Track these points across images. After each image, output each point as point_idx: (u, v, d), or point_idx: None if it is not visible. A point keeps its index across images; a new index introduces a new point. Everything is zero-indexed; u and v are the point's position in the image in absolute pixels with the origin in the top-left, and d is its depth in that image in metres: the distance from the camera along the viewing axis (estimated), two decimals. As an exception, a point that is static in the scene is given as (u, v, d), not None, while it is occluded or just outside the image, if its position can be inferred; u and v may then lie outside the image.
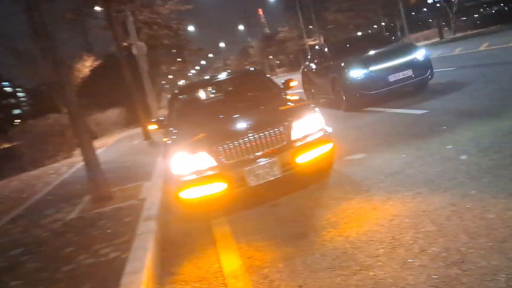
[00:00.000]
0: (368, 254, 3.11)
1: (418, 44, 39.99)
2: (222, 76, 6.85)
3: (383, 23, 49.11)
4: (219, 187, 4.56)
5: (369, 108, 9.36)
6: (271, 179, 4.59)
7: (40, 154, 13.93)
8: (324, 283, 2.90)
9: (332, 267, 3.08)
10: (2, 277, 4.24)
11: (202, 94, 6.70)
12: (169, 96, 32.32)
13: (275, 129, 4.69)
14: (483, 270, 2.53)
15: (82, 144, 6.28)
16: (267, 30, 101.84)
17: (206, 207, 4.89)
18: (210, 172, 4.58)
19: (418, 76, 9.17)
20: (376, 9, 49.32)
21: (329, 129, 5.05)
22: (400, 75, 9.04)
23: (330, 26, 57.95)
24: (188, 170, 4.63)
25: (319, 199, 4.57)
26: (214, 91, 6.57)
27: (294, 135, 4.75)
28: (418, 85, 9.58)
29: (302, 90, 13.61)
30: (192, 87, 7.05)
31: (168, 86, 48.19)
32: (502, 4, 46.32)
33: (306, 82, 13.23)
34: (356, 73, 9.16)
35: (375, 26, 65.11)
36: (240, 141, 4.60)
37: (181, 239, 4.56)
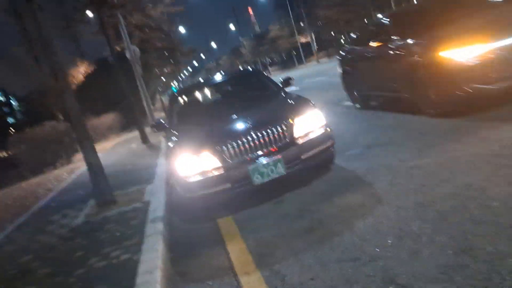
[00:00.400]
0: (377, 245, 3.19)
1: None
2: (221, 77, 6.92)
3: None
4: (224, 186, 4.64)
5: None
6: (275, 177, 4.66)
7: (39, 161, 13.95)
8: (335, 274, 2.98)
9: (342, 259, 3.16)
10: (15, 284, 4.29)
11: (202, 95, 6.75)
12: (162, 98, 32.24)
13: (277, 127, 4.76)
14: (491, 256, 2.61)
15: (84, 148, 6.31)
16: (257, 29, 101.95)
17: (212, 207, 4.96)
18: (215, 172, 4.66)
19: None
20: (366, 3, 49.50)
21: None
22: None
23: (321, 23, 58.01)
24: (194, 171, 4.70)
25: (324, 195, 4.64)
26: (214, 92, 6.63)
27: (296, 133, 4.82)
28: None
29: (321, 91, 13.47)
30: (192, 89, 7.12)
31: (160, 89, 48.12)
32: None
33: (351, 75, 9.15)
34: (464, 53, 5.48)
35: (366, 22, 65.38)
36: (243, 140, 4.67)
37: (189, 240, 4.62)
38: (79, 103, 6.32)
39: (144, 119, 17.41)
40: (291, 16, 59.95)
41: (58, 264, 4.49)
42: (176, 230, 4.98)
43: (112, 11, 13.98)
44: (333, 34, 64.94)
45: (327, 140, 4.95)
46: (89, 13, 15.10)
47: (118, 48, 16.53)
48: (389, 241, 3.20)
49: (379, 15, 13.73)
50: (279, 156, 4.65)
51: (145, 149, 12.81)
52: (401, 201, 3.83)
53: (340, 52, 10.26)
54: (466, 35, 5.59)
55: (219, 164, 4.65)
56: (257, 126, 4.79)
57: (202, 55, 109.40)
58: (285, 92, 6.25)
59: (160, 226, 4.70)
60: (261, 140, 4.69)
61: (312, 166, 4.94)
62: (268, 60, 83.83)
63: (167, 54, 29.14)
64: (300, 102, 5.47)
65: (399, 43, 6.84)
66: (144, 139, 14.37)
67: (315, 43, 61.32)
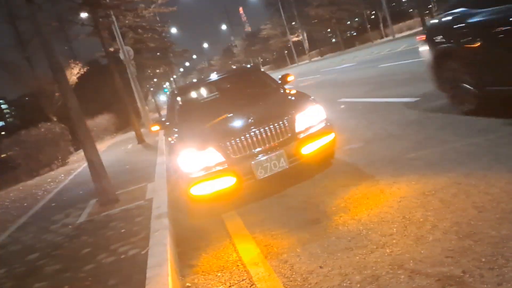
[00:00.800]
0: (382, 234, 3.28)
1: (402, 34, 40.44)
2: (221, 74, 6.99)
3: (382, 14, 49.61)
4: (228, 182, 4.70)
5: (360, 99, 9.55)
6: (278, 170, 4.74)
7: (35, 163, 13.95)
8: (343, 263, 3.06)
9: (349, 248, 3.24)
10: (25, 281, 4.33)
11: (202, 93, 6.82)
12: (155, 99, 32.31)
13: (279, 122, 4.84)
14: (494, 239, 2.70)
15: (86, 147, 6.37)
16: (248, 28, 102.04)
17: (216, 202, 5.03)
18: (218, 168, 4.72)
19: None
20: (357, 2, 49.80)
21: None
22: None
23: (312, 21, 58.22)
24: (197, 167, 4.76)
25: (327, 187, 4.72)
26: (213, 89, 6.70)
27: (298, 127, 4.90)
28: None
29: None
30: (191, 87, 7.18)
31: (153, 89, 48.07)
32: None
33: (459, 60, 5.47)
34: None
35: (356, 19, 65.75)
36: (246, 135, 4.74)
37: (195, 234, 4.68)
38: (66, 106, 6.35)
39: (138, 119, 17.45)
40: (283, 16, 60.07)
41: (66, 260, 4.54)
42: (181, 226, 5.04)
43: (106, 11, 13.95)
44: (325, 33, 65.26)
45: (328, 134, 5.03)
46: (83, 14, 15.05)
47: (111, 49, 16.51)
48: (394, 229, 3.29)
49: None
50: (281, 151, 4.73)
51: (142, 149, 12.85)
52: (404, 191, 3.92)
53: (431, 22, 6.98)
54: None
55: (223, 160, 4.72)
56: (259, 122, 4.86)
57: (194, 55, 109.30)
58: (284, 89, 6.33)
59: (165, 221, 4.76)
60: (264, 135, 4.77)
61: (314, 159, 5.02)
62: (260, 59, 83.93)
63: (159, 54, 29.13)
64: (301, 97, 5.55)
65: None
66: (140, 139, 14.41)
67: (307, 42, 61.52)
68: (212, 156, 4.74)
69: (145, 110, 18.79)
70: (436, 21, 6.22)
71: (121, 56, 16.86)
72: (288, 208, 4.52)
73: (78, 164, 14.23)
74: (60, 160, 14.94)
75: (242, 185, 4.74)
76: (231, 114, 5.46)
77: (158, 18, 22.23)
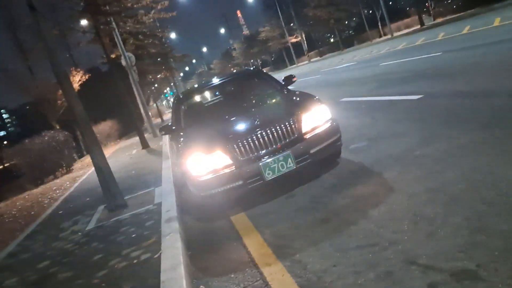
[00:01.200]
0: (393, 231, 3.31)
1: (400, 32, 40.45)
2: (225, 78, 7.03)
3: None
4: (237, 183, 4.73)
5: (363, 98, 9.59)
6: (286, 171, 4.77)
7: (39, 171, 14.00)
8: (356, 260, 3.09)
9: (361, 246, 3.27)
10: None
11: (206, 97, 6.86)
12: (157, 104, 32.46)
13: (285, 123, 4.87)
14: (506, 233, 2.73)
15: (93, 154, 6.40)
16: (246, 31, 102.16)
17: (226, 204, 5.07)
18: (226, 170, 4.75)
19: None
20: (355, 1, 49.86)
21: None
22: None
23: (310, 22, 58.28)
24: (206, 170, 4.80)
25: (335, 186, 4.76)
26: (218, 93, 6.73)
27: (304, 128, 4.94)
28: None
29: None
30: (195, 91, 7.22)
31: (153, 95, 48.12)
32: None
33: None
34: None
35: (354, 19, 65.82)
36: (253, 137, 4.78)
37: (205, 237, 4.71)
38: (72, 113, 6.39)
39: (142, 125, 17.52)
40: (281, 17, 60.16)
41: (78, 267, 4.57)
42: (191, 229, 5.07)
43: (107, 17, 14.02)
44: (323, 33, 65.33)
45: (334, 133, 5.07)
46: (83, 22, 15.13)
47: (113, 56, 16.59)
48: (405, 225, 3.32)
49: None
50: (288, 151, 4.76)
51: (147, 154, 12.89)
52: (412, 188, 3.95)
53: None
54: None
55: (231, 162, 4.75)
56: (265, 123, 4.90)
57: (193, 60, 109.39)
58: (288, 90, 6.37)
59: (176, 225, 4.80)
60: (270, 137, 4.80)
61: (321, 159, 5.05)
62: (259, 61, 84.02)
63: (160, 60, 29.21)
64: (306, 98, 5.59)
65: None
66: (144, 144, 14.46)
67: (305, 43, 61.59)
68: (219, 158, 4.78)
69: (148, 115, 18.84)
70: None
71: (123, 62, 16.92)
72: (297, 208, 4.55)
73: (83, 171, 14.27)
74: (64, 168, 14.99)
75: (251, 186, 4.77)
76: (237, 117, 5.49)
77: (158, 24, 22.28)
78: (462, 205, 3.30)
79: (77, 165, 17.19)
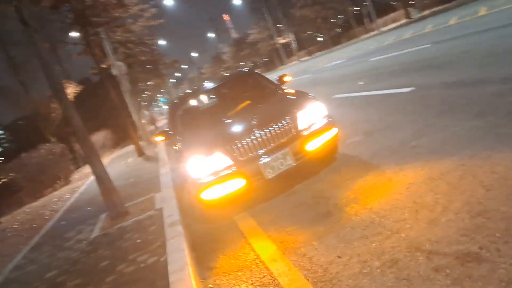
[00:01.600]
0: (395, 220, 3.38)
1: (388, 27, 40.66)
2: (219, 80, 7.09)
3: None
4: (238, 184, 4.78)
5: (355, 94, 9.69)
6: (286, 169, 4.83)
7: (38, 185, 14.00)
8: (361, 250, 3.15)
9: (364, 236, 3.34)
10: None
11: (203, 100, 6.90)
12: (150, 111, 32.41)
13: (282, 122, 4.93)
14: (506, 215, 2.81)
15: (93, 164, 6.45)
16: (234, 35, 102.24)
17: (228, 205, 5.12)
18: (227, 171, 4.80)
19: None
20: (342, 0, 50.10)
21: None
22: None
23: (298, 22, 58.46)
24: (206, 172, 4.84)
25: (334, 181, 4.83)
26: (214, 95, 6.79)
27: (301, 125, 5.00)
28: None
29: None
30: (191, 95, 7.27)
31: (145, 102, 48.12)
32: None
33: None
34: None
35: (341, 17, 66.08)
36: (251, 137, 4.83)
37: (209, 238, 4.76)
38: (69, 125, 6.44)
39: (136, 133, 17.51)
40: (269, 19, 60.34)
41: (86, 274, 4.61)
42: (195, 232, 5.12)
43: (96, 28, 14.04)
44: (311, 33, 65.52)
45: (331, 129, 5.13)
46: (73, 34, 15.16)
47: (104, 66, 16.61)
48: (406, 214, 3.39)
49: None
50: (287, 149, 4.82)
51: (143, 162, 12.91)
52: (411, 178, 4.03)
53: None
54: None
55: (231, 163, 4.80)
56: (263, 123, 4.95)
57: (184, 65, 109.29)
58: (283, 89, 6.43)
59: (179, 228, 4.85)
60: (269, 135, 4.86)
61: (319, 155, 5.11)
62: (250, 64, 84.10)
63: (151, 67, 29.21)
64: (300, 95, 5.66)
65: None
66: (140, 152, 14.48)
67: (294, 43, 61.76)
68: (220, 160, 4.83)
69: (141, 123, 18.86)
70: None
71: (114, 71, 16.93)
72: (298, 204, 4.62)
73: (81, 182, 14.28)
74: (62, 180, 15.00)
75: (252, 186, 4.82)
76: (234, 118, 5.55)
77: (147, 31, 22.33)
78: (462, 191, 3.37)
79: (74, 176, 17.18)
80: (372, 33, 44.10)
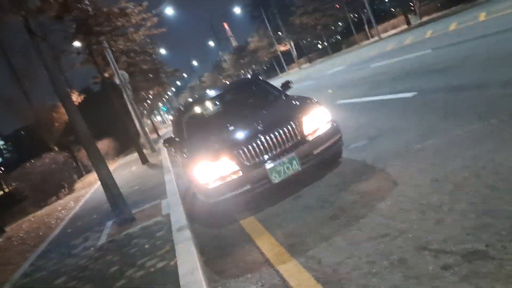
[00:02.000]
0: (402, 221, 3.43)
1: (388, 33, 40.83)
2: (224, 87, 7.18)
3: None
4: (245, 189, 4.85)
5: (357, 99, 9.76)
6: (291, 173, 4.89)
7: (42, 194, 14.06)
8: (369, 251, 3.20)
9: (372, 237, 3.39)
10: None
11: (208, 106, 6.98)
12: (152, 119, 32.54)
13: (288, 127, 5.00)
14: (511, 214, 2.87)
15: (99, 170, 6.51)
16: (234, 43, 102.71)
17: (235, 209, 5.17)
18: (234, 176, 4.87)
19: None
20: (341, 6, 50.38)
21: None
22: None
23: (298, 30, 58.76)
24: (213, 177, 4.91)
25: (339, 185, 4.88)
26: (218, 102, 6.87)
27: (306, 130, 5.08)
28: None
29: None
30: (196, 103, 7.34)
31: (146, 111, 48.28)
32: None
33: None
34: None
35: (341, 24, 66.40)
36: (257, 142, 4.90)
37: (217, 242, 4.81)
38: (71, 134, 6.53)
39: (139, 140, 17.61)
40: (269, 27, 60.64)
41: (96, 280, 4.66)
42: (203, 236, 5.17)
43: (99, 37, 14.16)
44: (311, 40, 65.81)
45: (335, 134, 5.21)
46: (76, 44, 15.28)
47: (106, 75, 16.73)
48: (412, 215, 3.44)
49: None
50: (293, 154, 4.88)
51: (147, 169, 12.97)
52: (416, 180, 4.09)
53: None
54: None
55: (237, 168, 4.87)
56: (268, 128, 5.02)
57: (184, 74, 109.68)
58: (286, 95, 6.51)
59: (187, 233, 4.90)
60: (274, 140, 4.93)
61: (324, 159, 5.18)
62: (250, 71, 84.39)
63: (152, 76, 29.36)
64: (305, 101, 5.73)
65: None
66: (144, 160, 14.54)
67: (294, 50, 62.04)
68: (226, 165, 4.89)
69: (145, 131, 18.96)
70: None
71: (117, 80, 17.06)
72: (305, 208, 4.67)
73: (84, 190, 14.35)
74: (66, 188, 15.06)
75: (258, 190, 4.88)
76: (240, 124, 5.62)
77: (148, 40, 22.44)
78: (467, 192, 3.43)
79: (77, 185, 17.26)
80: (372, 40, 44.35)
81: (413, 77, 9.67)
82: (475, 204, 3.18)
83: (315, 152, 5.02)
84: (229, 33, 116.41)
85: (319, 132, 5.12)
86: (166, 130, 43.12)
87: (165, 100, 52.02)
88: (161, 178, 9.72)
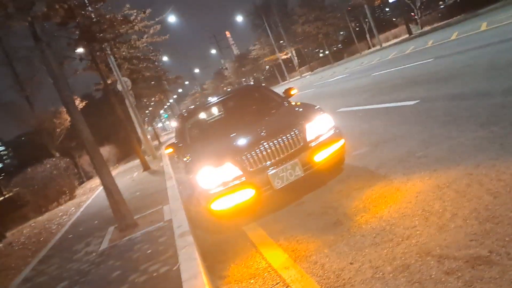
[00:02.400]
0: (405, 227, 3.45)
1: (389, 42, 40.97)
2: (227, 93, 7.22)
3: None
4: (247, 194, 4.86)
5: (359, 107, 9.80)
6: (294, 179, 4.91)
7: (43, 199, 14.05)
8: (372, 257, 3.22)
9: (375, 243, 3.40)
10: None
11: (210, 114, 7.02)
12: (153, 126, 32.62)
13: (291, 133, 5.03)
14: (514, 219, 2.89)
15: (102, 176, 6.53)
16: (236, 51, 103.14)
17: (237, 215, 5.18)
18: (236, 181, 4.88)
19: None
20: (342, 15, 50.66)
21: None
22: None
23: (300, 38, 59.04)
24: (216, 182, 4.92)
25: (342, 191, 4.90)
26: (221, 108, 6.91)
27: (309, 136, 5.10)
28: None
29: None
30: (199, 109, 7.38)
31: (147, 118, 48.38)
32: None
33: None
34: None
35: (342, 33, 66.68)
36: (260, 148, 4.93)
37: (220, 248, 4.82)
38: (73, 140, 6.57)
39: (140, 147, 17.65)
40: (270, 35, 60.94)
41: (98, 285, 4.67)
42: (205, 242, 5.18)
43: (102, 44, 14.24)
44: (312, 48, 66.05)
45: (338, 140, 5.23)
46: (79, 50, 15.36)
47: (109, 81, 16.81)
48: (416, 221, 3.46)
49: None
50: (296, 160, 4.91)
51: (149, 175, 12.99)
52: (418, 187, 4.11)
53: None
54: None
55: (240, 173, 4.89)
56: (272, 134, 5.05)
57: (186, 81, 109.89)
58: (289, 101, 6.55)
59: (190, 238, 4.91)
60: (277, 146, 4.95)
61: (327, 166, 5.20)
62: (252, 79, 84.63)
63: (154, 83, 29.43)
64: (308, 107, 5.77)
65: None
66: (145, 166, 14.57)
67: (296, 58, 62.27)
68: (229, 170, 4.91)
69: (146, 137, 19.00)
70: None
71: (119, 87, 17.13)
72: (307, 214, 4.68)
73: (86, 196, 14.36)
74: (67, 194, 15.06)
75: (261, 196, 4.90)
76: (243, 130, 5.65)
77: (151, 48, 22.54)
78: (469, 198, 3.45)
79: (79, 191, 17.27)
80: (373, 49, 44.51)
81: (415, 86, 9.70)
82: (478, 211, 3.19)
83: (318, 158, 5.04)
84: (231, 41, 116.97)
85: (322, 139, 5.15)
86: (167, 137, 43.19)
87: (166, 107, 52.18)
88: (163, 184, 9.74)
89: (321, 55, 75.05)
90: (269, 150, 4.93)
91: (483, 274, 2.49)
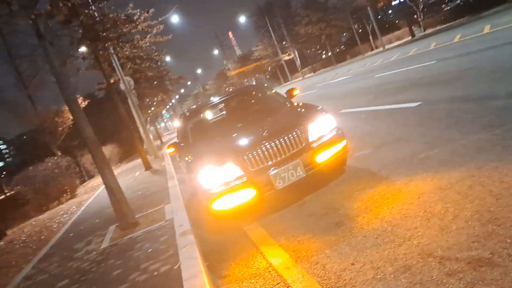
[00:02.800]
0: (407, 228, 3.44)
1: (392, 44, 40.97)
2: (229, 93, 7.22)
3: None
4: (249, 194, 4.85)
5: (362, 109, 9.79)
6: (296, 179, 4.91)
7: (44, 198, 14.08)
8: (374, 258, 3.21)
9: (377, 244, 3.40)
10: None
11: (212, 113, 7.02)
12: (156, 126, 32.63)
13: (293, 133, 5.03)
14: (516, 222, 2.88)
15: (104, 175, 6.53)
16: (238, 52, 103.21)
17: (239, 215, 5.18)
18: (238, 181, 4.88)
19: None
20: (345, 17, 50.66)
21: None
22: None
23: (303, 39, 59.04)
24: (218, 182, 4.92)
25: (344, 192, 4.89)
26: (223, 108, 6.91)
27: (311, 137, 5.10)
28: None
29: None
30: (201, 109, 7.38)
31: (150, 118, 48.42)
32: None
33: None
34: None
35: (345, 34, 66.67)
36: (262, 148, 4.92)
37: (221, 248, 4.81)
38: (75, 139, 6.58)
39: (142, 147, 17.65)
40: (273, 36, 60.97)
41: (99, 283, 4.67)
42: (206, 241, 5.17)
43: (105, 43, 14.26)
44: (315, 50, 66.06)
45: (340, 141, 5.22)
46: (82, 49, 15.39)
47: (112, 80, 16.84)
48: (417, 222, 3.45)
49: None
50: (298, 160, 4.90)
51: (151, 175, 13.00)
52: (420, 188, 4.10)
53: None
54: None
55: (242, 173, 4.88)
56: (274, 134, 5.05)
57: (188, 82, 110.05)
58: (291, 102, 6.54)
59: (191, 237, 4.91)
60: (279, 147, 4.95)
61: (329, 167, 5.19)
62: (254, 80, 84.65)
63: (157, 83, 29.50)
64: (310, 108, 5.76)
65: None
66: (147, 165, 14.58)
67: (298, 60, 62.26)
68: (231, 170, 4.91)
69: (148, 137, 19.02)
70: None
71: (122, 86, 17.15)
72: (309, 214, 4.68)
73: (87, 195, 14.37)
74: (69, 193, 15.09)
75: (263, 196, 4.89)
76: (245, 130, 5.64)
77: (154, 47, 22.57)
78: (471, 200, 3.44)
79: (80, 190, 17.29)
80: (376, 50, 44.47)
81: (418, 87, 9.68)
82: (480, 212, 3.19)
83: (320, 159, 5.03)
84: (234, 42, 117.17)
85: (325, 139, 5.14)
86: (169, 137, 43.23)
87: (168, 107, 52.24)
88: (164, 183, 9.74)
89: (323, 56, 75.03)
90: (270, 150, 4.93)
91: (485, 275, 2.48)
